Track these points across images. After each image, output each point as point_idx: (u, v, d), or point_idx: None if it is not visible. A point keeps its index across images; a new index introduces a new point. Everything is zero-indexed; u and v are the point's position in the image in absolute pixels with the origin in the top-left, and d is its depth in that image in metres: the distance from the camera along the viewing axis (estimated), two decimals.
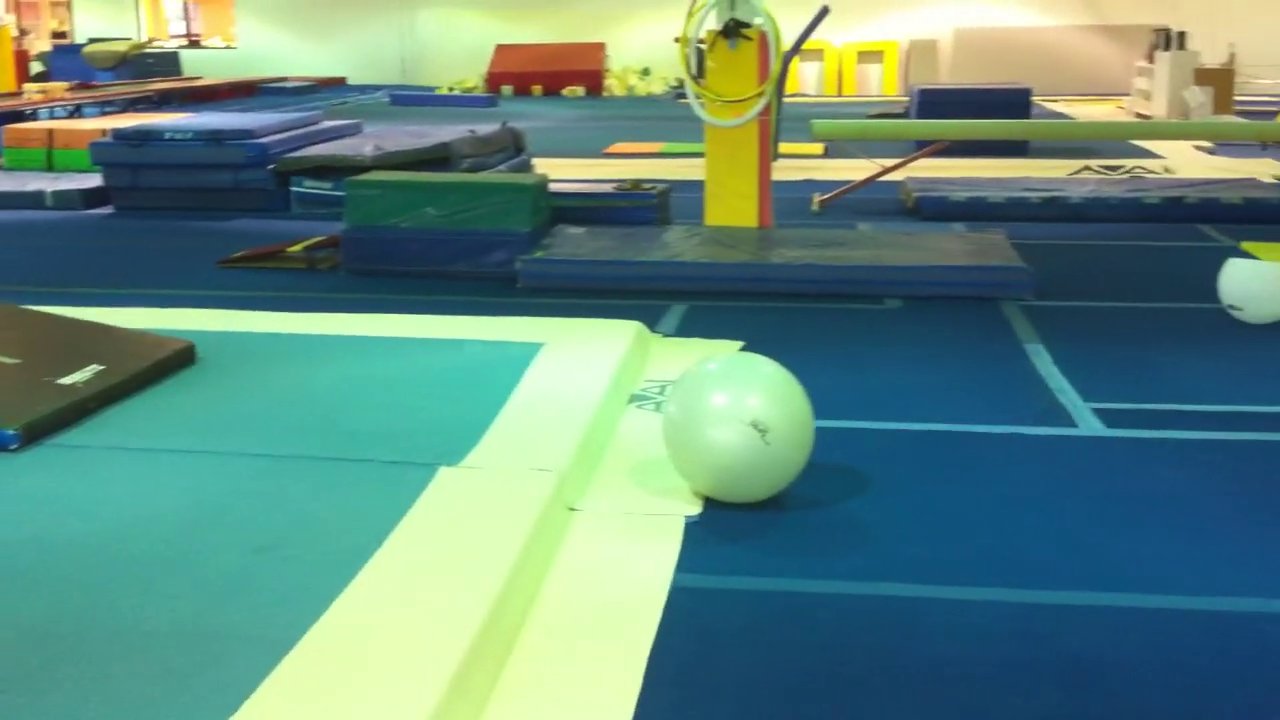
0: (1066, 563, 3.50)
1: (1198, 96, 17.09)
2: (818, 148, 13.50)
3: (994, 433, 4.63)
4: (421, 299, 6.72)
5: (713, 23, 7.98)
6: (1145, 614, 3.19)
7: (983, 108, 13.31)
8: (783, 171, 10.63)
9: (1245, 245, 8.10)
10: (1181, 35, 18.83)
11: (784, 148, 12.38)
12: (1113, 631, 3.10)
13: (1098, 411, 4.84)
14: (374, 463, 4.04)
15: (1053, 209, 9.51)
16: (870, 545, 3.65)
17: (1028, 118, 14.15)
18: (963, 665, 2.95)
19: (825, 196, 10.05)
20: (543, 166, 10.48)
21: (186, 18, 32.13)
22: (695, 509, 3.87)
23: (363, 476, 3.93)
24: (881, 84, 26.03)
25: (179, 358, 5.13)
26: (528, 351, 5.28)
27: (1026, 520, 3.82)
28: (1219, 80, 18.08)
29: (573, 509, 3.86)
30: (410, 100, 22.05)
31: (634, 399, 4.96)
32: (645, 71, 26.33)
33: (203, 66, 27.16)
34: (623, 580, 3.40)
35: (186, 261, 8.00)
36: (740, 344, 5.70)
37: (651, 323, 6.08)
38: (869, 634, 3.11)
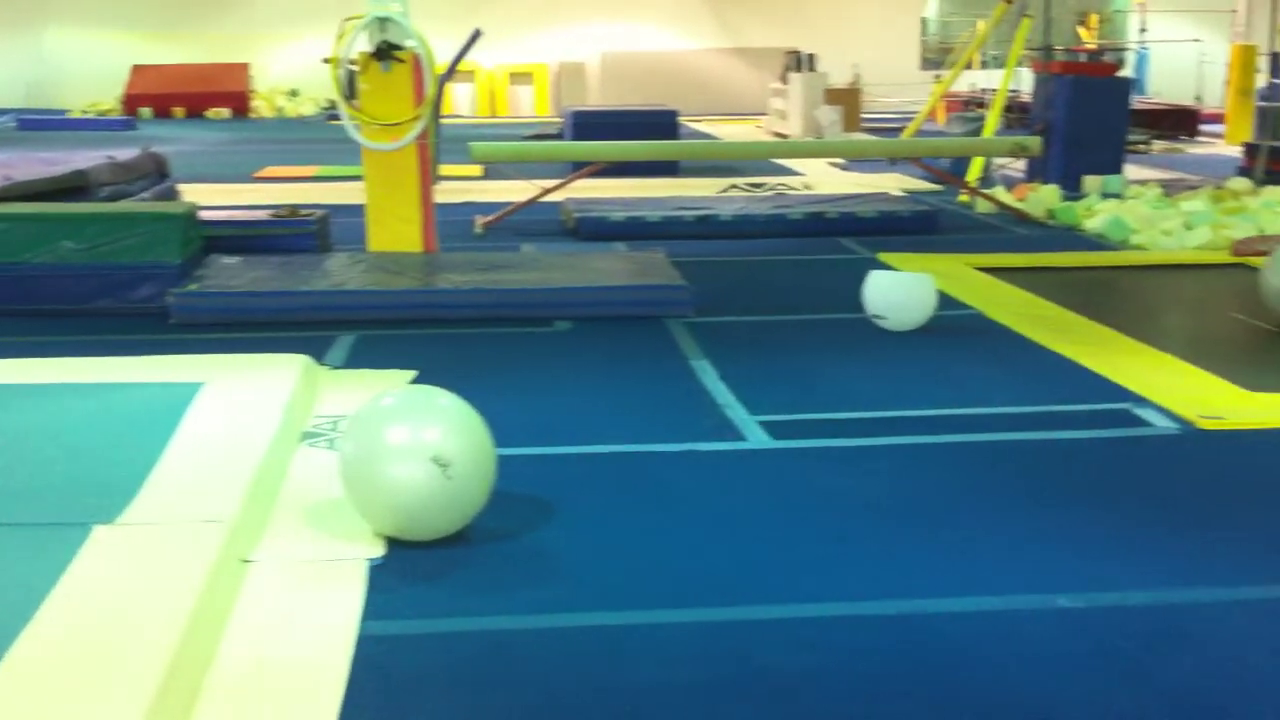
0: (752, 577, 3.57)
1: (829, 115, 18.12)
2: (477, 169, 13.47)
3: (670, 451, 4.70)
4: (62, 340, 6.23)
5: (364, 44, 7.81)
6: (830, 623, 3.29)
7: (633, 129, 13.63)
8: (444, 194, 10.53)
9: (882, 256, 8.61)
10: (811, 57, 19.95)
11: (444, 170, 12.29)
12: (800, 643, 3.18)
13: (764, 424, 5.00)
14: (18, 526, 3.68)
15: (706, 226, 9.83)
16: (562, 574, 3.62)
17: (676, 138, 14.62)
18: (663, 691, 2.95)
19: (488, 219, 10.02)
20: (190, 193, 9.95)
21: None
22: (378, 551, 3.73)
23: (5, 543, 3.56)
24: (534, 105, 26.33)
25: None
26: (185, 393, 4.95)
27: (709, 537, 3.88)
28: (847, 99, 19.28)
29: (246, 561, 3.63)
30: (40, 125, 20.60)
31: (305, 438, 4.74)
32: (294, 92, 25.61)
33: None
34: (305, 634, 3.22)
35: None
36: (413, 374, 5.56)
37: (319, 355, 5.85)
38: (570, 667, 3.07)
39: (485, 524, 3.87)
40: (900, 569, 3.62)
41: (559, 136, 16.89)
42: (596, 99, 25.63)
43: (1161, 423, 4.99)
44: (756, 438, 4.86)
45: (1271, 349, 6.51)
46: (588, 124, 14.45)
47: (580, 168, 10.87)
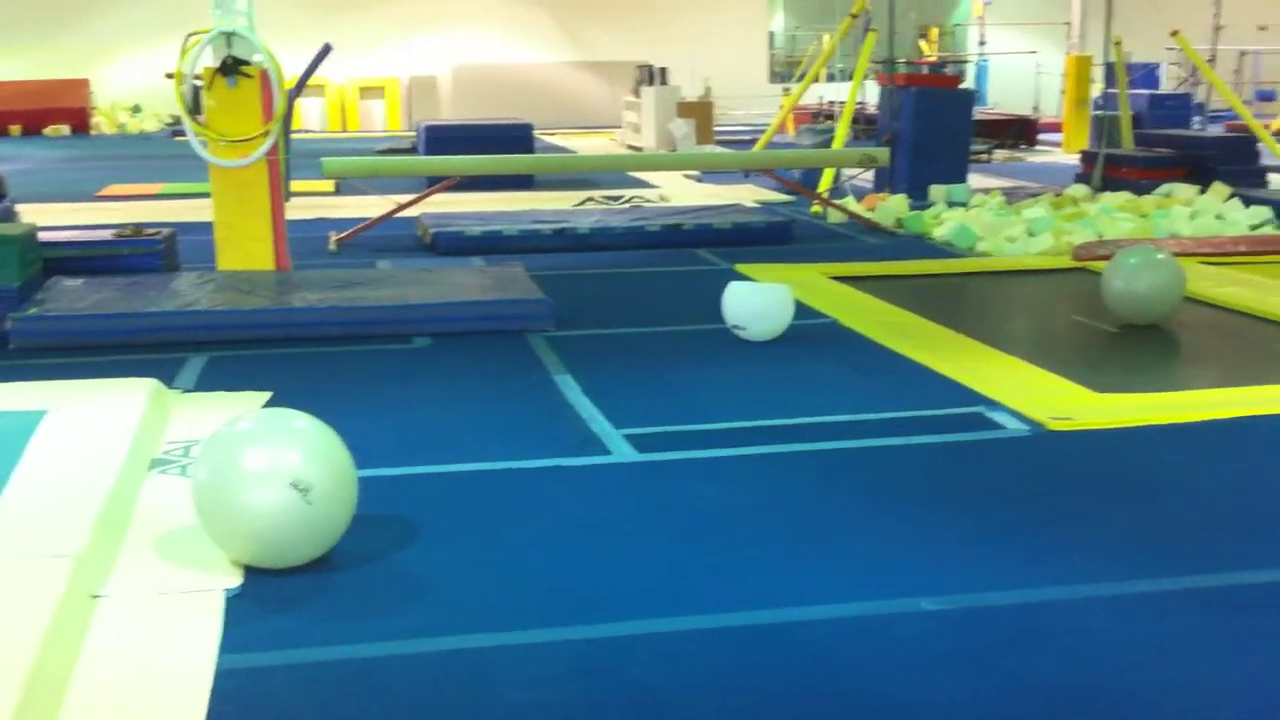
0: (621, 592, 3.56)
1: (682, 128, 18.28)
2: (329, 185, 13.26)
3: (536, 467, 4.66)
4: None
5: (209, 59, 7.61)
6: (701, 635, 3.28)
7: (488, 142, 13.60)
8: (296, 211, 10.33)
9: (739, 267, 8.70)
10: (663, 71, 20.12)
11: (295, 186, 12.06)
12: (671, 657, 3.17)
13: (629, 437, 4.99)
14: None
15: (564, 239, 9.82)
16: (429, 597, 3.55)
17: (531, 151, 14.59)
18: (535, 712, 2.91)
19: (342, 235, 9.86)
20: (29, 214, 9.58)
21: None
22: (235, 580, 3.61)
23: None
24: (385, 120, 26.04)
25: None
26: (28, 421, 4.75)
27: (577, 553, 3.85)
28: (699, 112, 19.46)
29: (96, 596, 3.49)
30: None
31: (155, 464, 4.58)
32: (136, 108, 24.90)
33: None
34: (161, 671, 3.10)
35: None
36: (268, 395, 5.43)
37: (168, 378, 5.68)
38: (439, 693, 3.00)
39: (347, 548, 3.78)
40: (767, 579, 3.64)
41: (412, 151, 16.74)
42: (449, 113, 25.49)
43: (1013, 425, 5.12)
44: (621, 451, 4.85)
45: (1114, 350, 6.74)
46: (441, 138, 14.37)
47: (435, 182, 10.77)
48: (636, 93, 20.40)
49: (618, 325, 7.14)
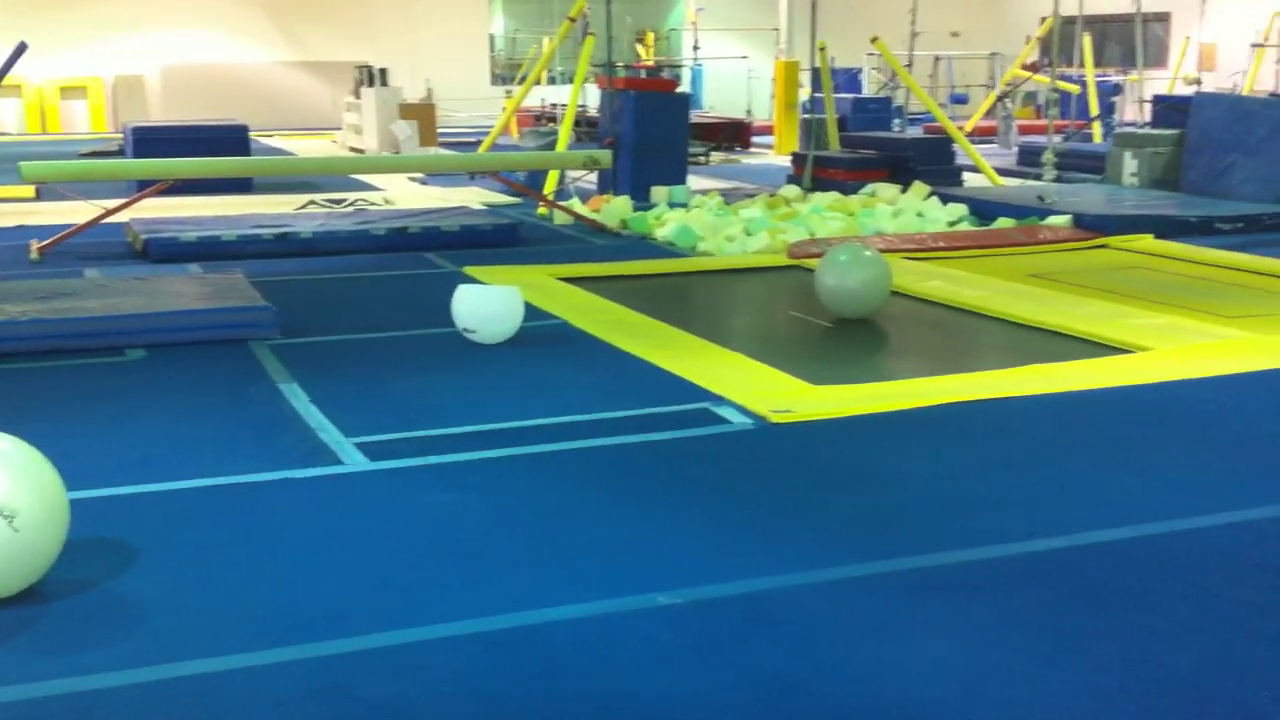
0: (355, 606, 3.49)
1: (405, 130, 18.07)
2: (29, 190, 12.52)
3: (263, 481, 4.53)
4: None
5: None
6: (437, 645, 3.25)
7: (201, 144, 13.13)
8: None
9: (468, 270, 8.67)
10: (384, 72, 19.83)
11: None
12: (408, 669, 3.13)
13: (361, 446, 4.91)
14: None
15: (286, 244, 9.57)
16: (150, 624, 3.39)
17: (248, 153, 14.15)
18: None
19: (44, 243, 9.32)
20: None
21: None
22: None
23: None
24: (90, 122, 24.74)
25: None
26: None
27: (308, 568, 3.76)
28: (422, 114, 19.30)
29: None
30: None
31: None
32: None
33: None
34: None
35: None
36: None
37: None
38: None
39: (60, 576, 3.58)
40: (504, 584, 3.65)
41: (120, 154, 15.99)
42: (159, 114, 24.44)
43: (738, 419, 5.29)
44: (354, 460, 4.76)
45: (829, 344, 7.05)
46: (151, 140, 13.79)
47: (146, 186, 10.30)
48: (357, 94, 20.04)
49: (346, 331, 7.01)
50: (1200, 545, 3.91)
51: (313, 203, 12.49)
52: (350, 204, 12.51)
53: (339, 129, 21.73)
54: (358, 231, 9.90)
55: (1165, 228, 10.51)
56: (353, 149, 19.64)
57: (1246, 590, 3.57)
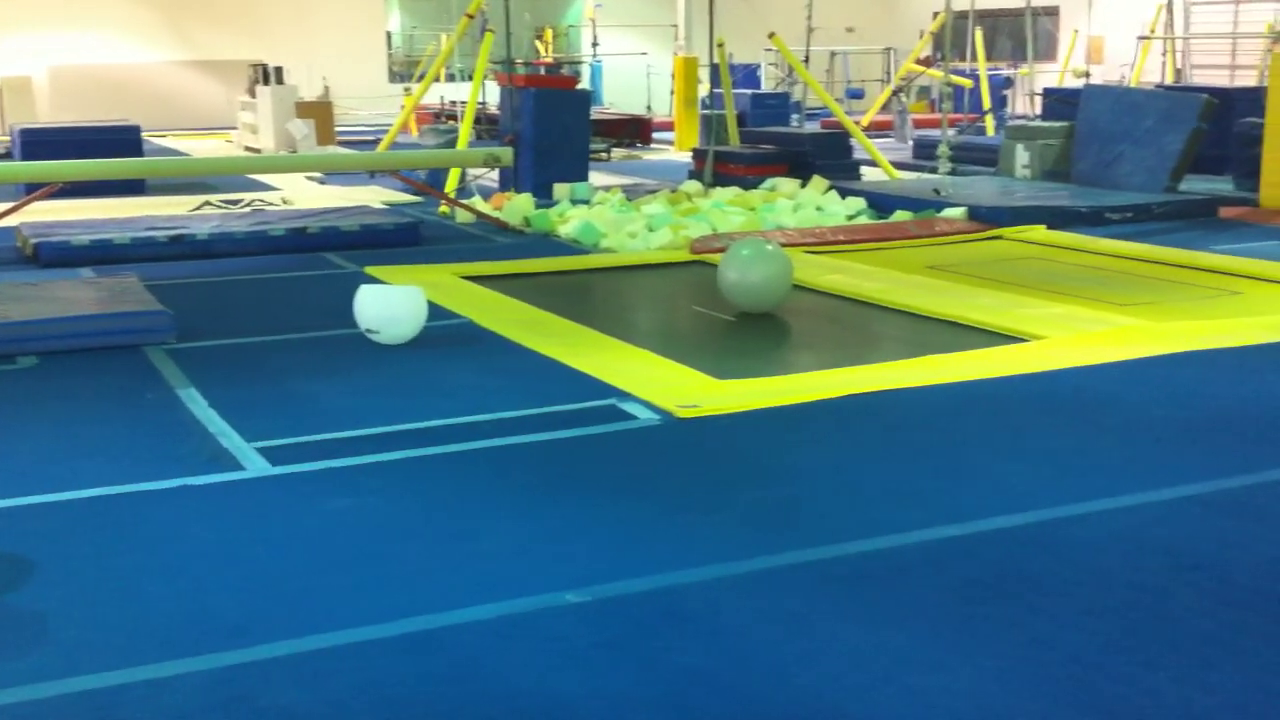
0: (259, 615, 3.43)
1: (302, 129, 17.83)
2: None
3: (161, 489, 4.43)
4: None
5: None
6: (342, 651, 3.21)
7: (93, 146, 12.81)
8: None
9: (369, 270, 8.58)
10: (279, 70, 19.53)
11: None
12: (312, 677, 3.08)
13: (262, 451, 4.84)
14: None
15: (181, 247, 9.39)
16: (45, 639, 3.30)
17: (141, 154, 13.85)
18: None
19: None
20: None
21: None
22: None
23: None
24: None
25: None
26: None
27: (209, 577, 3.69)
28: (319, 113, 19.03)
29: None
30: None
31: None
32: None
33: None
34: None
35: None
36: None
37: None
38: None
39: None
40: (411, 587, 3.61)
41: (7, 156, 15.58)
42: (48, 115, 23.80)
43: (645, 415, 5.30)
44: (255, 465, 4.69)
45: (732, 338, 7.10)
46: (40, 142, 13.47)
47: (35, 189, 10.03)
48: (252, 93, 19.71)
49: (245, 334, 6.89)
50: (1098, 529, 4.00)
51: (208, 204, 12.27)
52: (247, 204, 12.31)
53: (234, 129, 21.36)
54: (255, 232, 9.74)
55: (1057, 218, 10.74)
56: (248, 149, 19.32)
57: (1143, 573, 3.66)
